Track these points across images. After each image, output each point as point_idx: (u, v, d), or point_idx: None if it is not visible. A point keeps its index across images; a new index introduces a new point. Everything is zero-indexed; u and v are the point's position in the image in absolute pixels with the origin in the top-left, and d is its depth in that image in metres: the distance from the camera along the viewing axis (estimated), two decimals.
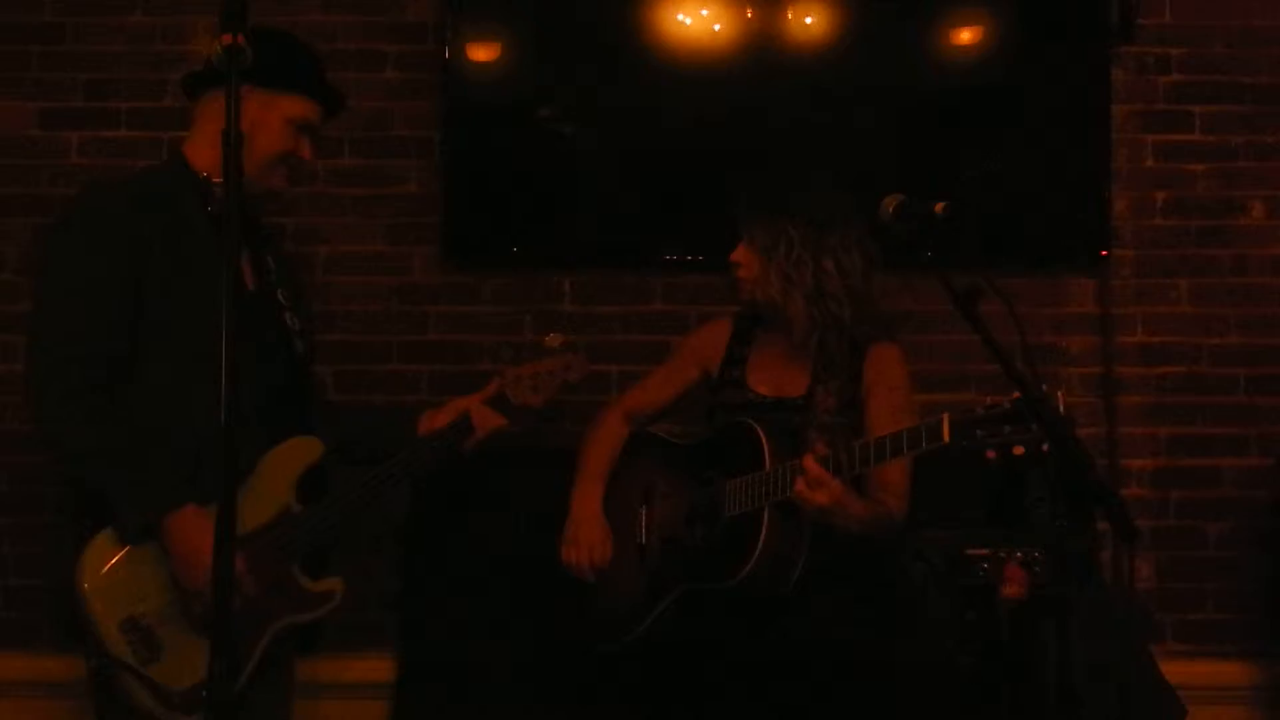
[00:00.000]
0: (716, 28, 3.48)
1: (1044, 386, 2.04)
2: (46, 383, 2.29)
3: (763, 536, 2.44)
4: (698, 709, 2.55)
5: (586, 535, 2.67)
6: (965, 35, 3.54)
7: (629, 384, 3.38)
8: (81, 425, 2.28)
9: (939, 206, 2.25)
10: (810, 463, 2.35)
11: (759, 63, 3.46)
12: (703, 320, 3.17)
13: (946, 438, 2.18)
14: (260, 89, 2.38)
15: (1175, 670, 3.05)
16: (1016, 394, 2.06)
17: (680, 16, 3.48)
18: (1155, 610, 3.46)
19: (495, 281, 3.54)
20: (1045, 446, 2.04)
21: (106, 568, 2.27)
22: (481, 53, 3.51)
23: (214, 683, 1.69)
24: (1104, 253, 3.50)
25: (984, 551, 2.89)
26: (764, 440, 2.52)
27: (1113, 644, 2.80)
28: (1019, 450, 2.07)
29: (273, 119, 2.43)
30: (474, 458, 3.42)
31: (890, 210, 2.31)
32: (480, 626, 3.18)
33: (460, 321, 3.53)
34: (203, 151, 2.43)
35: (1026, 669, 2.80)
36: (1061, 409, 2.03)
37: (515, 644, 3.15)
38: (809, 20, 3.48)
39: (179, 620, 2.29)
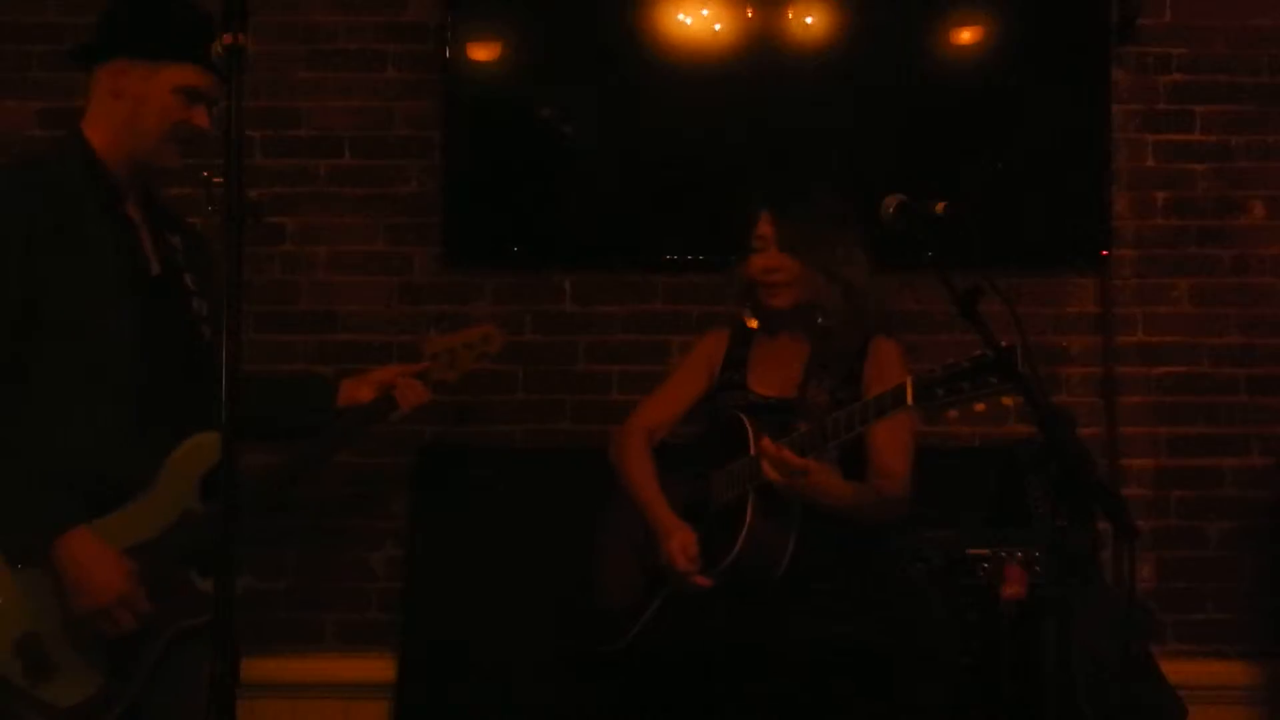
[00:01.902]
0: (717, 27, 3.48)
1: (1018, 351, 2.05)
2: None
3: (748, 520, 2.45)
4: (699, 709, 2.55)
5: (675, 536, 2.60)
6: (965, 35, 3.54)
7: (630, 384, 3.39)
8: None
9: (939, 206, 2.25)
10: (766, 443, 2.36)
11: (759, 63, 3.46)
12: (703, 320, 3.17)
13: (910, 400, 2.18)
14: (140, 60, 2.27)
15: (1175, 670, 3.06)
16: (978, 352, 2.08)
17: (680, 16, 3.48)
18: (1155, 610, 3.46)
19: (495, 281, 3.54)
20: (1008, 399, 2.07)
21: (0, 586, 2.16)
22: (481, 53, 3.51)
23: (216, 684, 1.67)
24: (1104, 252, 3.50)
25: (984, 551, 2.89)
26: (749, 428, 2.53)
27: (1113, 644, 2.80)
28: (980, 406, 2.09)
29: (156, 90, 2.29)
30: (475, 457, 3.43)
31: (891, 210, 2.31)
32: (481, 626, 3.18)
33: (460, 321, 3.52)
34: (99, 128, 2.31)
35: (1026, 669, 2.80)
36: (1022, 363, 2.04)
37: (516, 644, 3.15)
38: (809, 20, 3.48)
39: (73, 637, 2.18)
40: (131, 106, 2.30)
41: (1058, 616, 2.63)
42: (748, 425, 2.54)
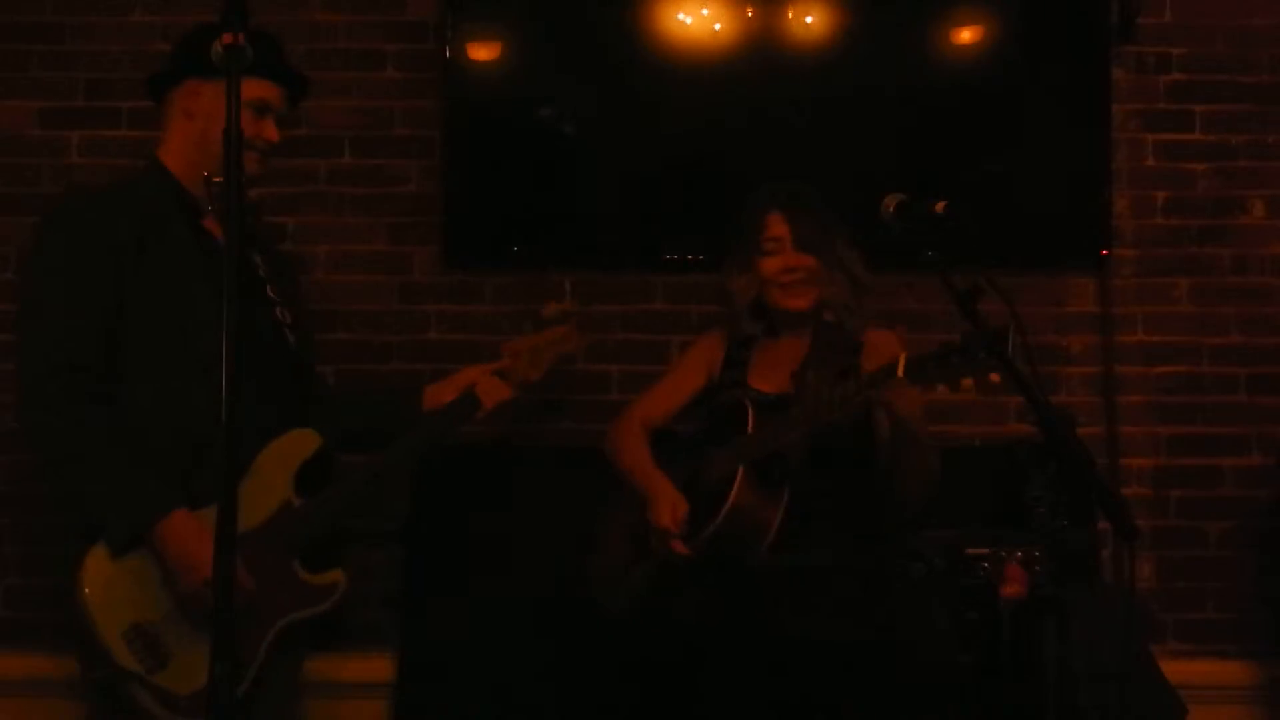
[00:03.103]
0: (717, 27, 3.48)
1: (1010, 329, 2.10)
2: (31, 393, 2.29)
3: (733, 494, 2.46)
4: (699, 709, 2.55)
5: (666, 498, 2.62)
6: (965, 35, 3.54)
7: (630, 384, 3.39)
8: (65, 435, 2.26)
9: (939, 206, 2.26)
10: None
11: (759, 62, 3.46)
12: (703, 320, 3.17)
13: (900, 372, 2.25)
14: (211, 79, 2.36)
15: (1175, 670, 3.05)
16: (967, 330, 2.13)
17: (681, 16, 3.48)
18: (1155, 610, 3.46)
19: (496, 281, 3.54)
20: (995, 376, 2.12)
21: (105, 578, 2.25)
22: (481, 52, 3.51)
23: (216, 685, 1.68)
24: (1104, 252, 3.50)
25: (984, 551, 2.89)
26: (750, 410, 2.55)
27: (1113, 644, 2.80)
28: (968, 382, 2.15)
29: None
30: (476, 457, 3.43)
31: (891, 210, 2.31)
32: (480, 626, 3.18)
33: (461, 321, 3.53)
34: (177, 152, 2.44)
35: (1026, 669, 2.80)
36: (1011, 342, 2.08)
37: (516, 644, 3.15)
38: (809, 20, 3.48)
39: (183, 624, 2.28)
40: (204, 124, 2.41)
41: (1058, 616, 2.63)
42: (749, 408, 2.55)
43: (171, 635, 2.27)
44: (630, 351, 3.51)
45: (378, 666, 3.33)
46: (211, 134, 2.34)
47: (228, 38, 1.81)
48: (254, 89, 2.41)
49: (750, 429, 2.53)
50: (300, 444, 2.44)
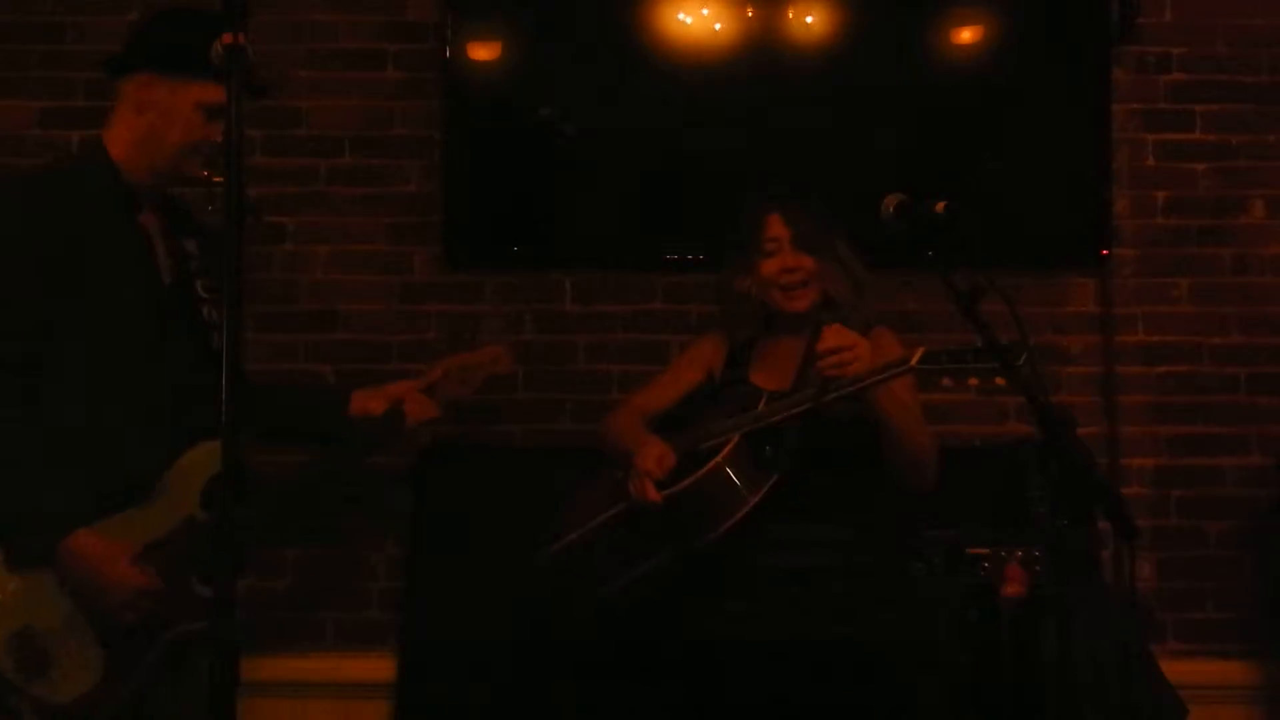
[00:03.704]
0: (717, 27, 3.48)
1: (1026, 348, 2.14)
2: None
3: (719, 457, 2.46)
4: (698, 709, 2.55)
5: (655, 446, 2.59)
6: (966, 35, 3.54)
7: (629, 384, 3.39)
8: None
9: (940, 206, 2.25)
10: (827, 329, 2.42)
11: (759, 62, 3.46)
12: (703, 320, 3.16)
13: (914, 361, 2.27)
14: (166, 76, 2.29)
15: (1175, 670, 3.05)
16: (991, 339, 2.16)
17: (681, 16, 3.48)
18: (1156, 610, 3.46)
19: (496, 281, 3.54)
20: (1000, 379, 2.16)
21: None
22: (481, 53, 3.51)
23: (216, 685, 1.67)
24: (1105, 252, 3.50)
25: (984, 551, 2.89)
26: (763, 396, 2.57)
27: (1113, 644, 2.80)
28: (974, 381, 2.19)
29: (180, 106, 2.31)
30: (475, 457, 3.43)
31: (891, 210, 2.31)
32: (481, 626, 3.18)
33: (461, 321, 3.53)
34: (121, 139, 2.35)
35: (1026, 669, 2.80)
36: (1026, 362, 2.12)
37: (516, 644, 3.15)
38: (809, 20, 3.48)
39: (75, 633, 2.20)
40: (154, 120, 2.33)
41: (1058, 616, 2.62)
42: (762, 394, 2.57)
43: (59, 643, 2.20)
44: (630, 351, 3.51)
45: (378, 666, 3.33)
46: (162, 133, 2.30)
47: (228, 38, 1.79)
48: (207, 92, 2.30)
49: (761, 408, 2.53)
50: (211, 457, 2.22)
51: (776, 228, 2.64)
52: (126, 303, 2.28)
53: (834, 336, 2.38)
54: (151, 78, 2.32)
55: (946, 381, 2.22)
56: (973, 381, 2.19)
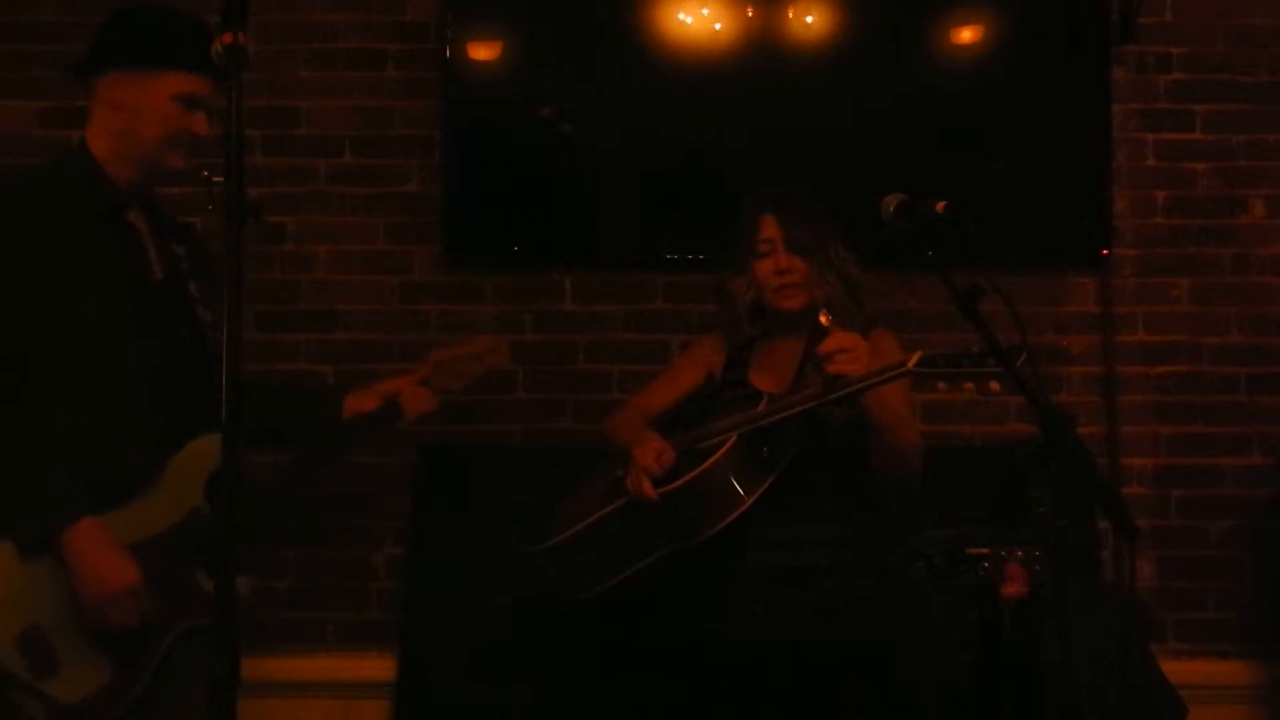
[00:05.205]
0: (717, 27, 3.48)
1: (1023, 352, 2.15)
2: None
3: (716, 456, 2.46)
4: (698, 709, 2.55)
5: (654, 442, 2.59)
6: (966, 35, 3.54)
7: (629, 384, 3.39)
8: None
9: (939, 206, 2.25)
10: (827, 322, 2.42)
11: (759, 62, 3.46)
12: (703, 320, 3.16)
13: (911, 364, 2.27)
14: (136, 71, 2.31)
15: (1175, 670, 3.05)
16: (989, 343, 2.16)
17: (681, 15, 3.48)
18: (1155, 609, 3.46)
19: (496, 281, 3.54)
20: (995, 384, 2.19)
21: (5, 578, 2.18)
22: (481, 52, 3.51)
23: (216, 685, 1.67)
24: (1105, 252, 3.50)
25: (984, 550, 2.89)
26: (764, 397, 2.57)
27: (1113, 643, 2.80)
28: (969, 386, 2.21)
29: (154, 99, 2.33)
30: (475, 457, 3.43)
31: (891, 209, 2.31)
32: (481, 626, 3.18)
33: (461, 321, 3.53)
34: (100, 138, 2.35)
35: (1026, 669, 2.80)
36: (1022, 365, 2.12)
37: (515, 644, 3.15)
38: (809, 20, 3.48)
39: (74, 632, 2.20)
40: (130, 117, 2.34)
41: (1058, 616, 2.62)
42: (764, 395, 2.57)
43: (65, 642, 2.20)
44: (630, 351, 3.51)
45: (378, 666, 3.33)
46: (139, 130, 2.30)
47: (228, 38, 1.79)
48: (180, 82, 2.32)
49: (761, 408, 2.54)
50: (210, 451, 2.28)
51: (770, 229, 2.65)
52: (114, 296, 2.27)
53: (835, 339, 2.38)
54: (121, 75, 2.33)
55: (942, 385, 2.23)
56: (968, 387, 2.21)
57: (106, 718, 2.22)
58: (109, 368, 2.25)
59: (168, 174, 2.40)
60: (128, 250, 2.33)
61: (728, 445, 2.48)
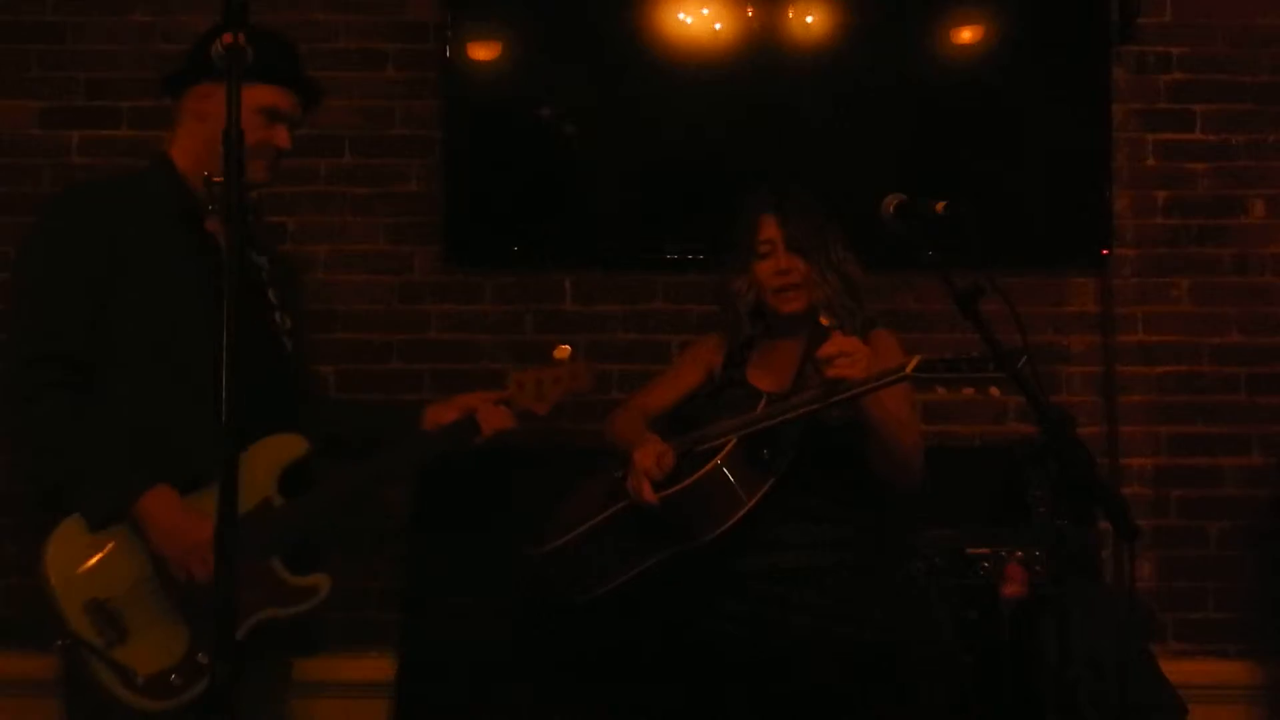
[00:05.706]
0: (717, 27, 3.48)
1: (1024, 356, 2.14)
2: (13, 381, 2.28)
3: (716, 459, 2.45)
4: (699, 709, 2.55)
5: (654, 445, 2.59)
6: (965, 34, 3.54)
7: (629, 384, 3.39)
8: (46, 423, 2.25)
9: (939, 206, 2.25)
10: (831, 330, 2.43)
11: (760, 62, 3.46)
12: (703, 320, 3.16)
13: (909, 369, 2.26)
14: (223, 82, 2.34)
15: (1175, 670, 3.05)
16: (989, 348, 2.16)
17: (681, 15, 3.48)
18: (1155, 610, 3.46)
19: (496, 281, 3.54)
20: (995, 390, 2.18)
21: (71, 552, 2.25)
22: (481, 52, 3.51)
23: (215, 685, 1.67)
24: (1105, 252, 3.51)
25: (984, 551, 2.89)
26: (763, 398, 2.56)
27: (1113, 644, 2.80)
28: (969, 391, 2.21)
29: (243, 111, 2.40)
30: (477, 457, 3.43)
31: (891, 210, 2.31)
32: (481, 626, 3.18)
33: (461, 321, 3.53)
34: (187, 151, 2.43)
35: (1026, 669, 2.80)
36: (1023, 367, 2.12)
37: (516, 644, 3.15)
38: (809, 19, 3.48)
39: (148, 604, 2.26)
40: (215, 126, 2.34)
41: (1058, 616, 2.63)
42: (762, 395, 2.57)
43: (134, 615, 2.25)
44: (630, 351, 3.52)
45: (378, 666, 3.33)
46: (222, 140, 2.35)
47: (228, 37, 1.81)
48: (265, 95, 2.41)
49: (759, 410, 2.54)
50: (288, 447, 2.41)
51: (770, 229, 2.64)
52: (193, 296, 2.33)
53: (835, 343, 2.38)
54: (210, 86, 2.39)
55: (940, 390, 2.24)
56: (967, 391, 2.21)
57: (183, 699, 2.24)
58: (186, 367, 2.30)
59: (249, 185, 2.42)
60: (206, 254, 2.39)
61: (727, 448, 2.48)
